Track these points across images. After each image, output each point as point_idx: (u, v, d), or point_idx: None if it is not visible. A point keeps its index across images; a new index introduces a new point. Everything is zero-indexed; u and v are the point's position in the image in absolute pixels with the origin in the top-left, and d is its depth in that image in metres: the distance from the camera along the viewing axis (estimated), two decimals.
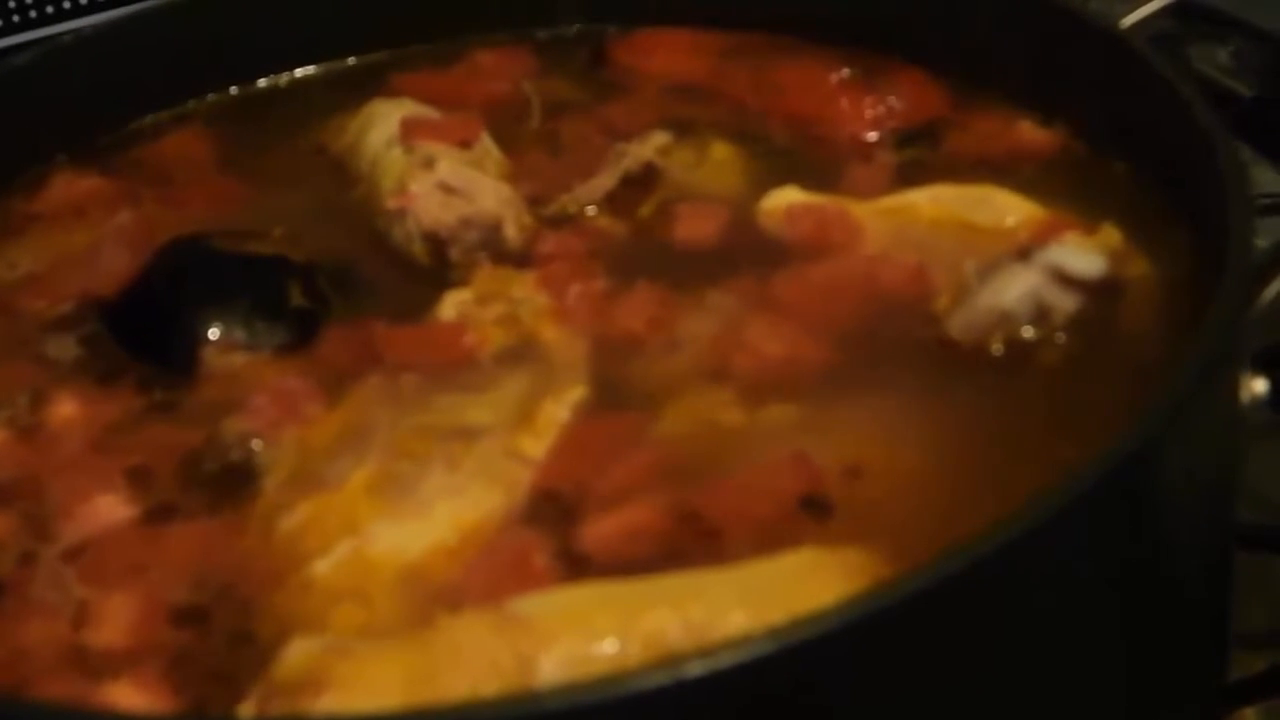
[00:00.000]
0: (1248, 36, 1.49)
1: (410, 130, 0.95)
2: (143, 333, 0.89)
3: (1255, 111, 1.43)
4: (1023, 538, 0.63)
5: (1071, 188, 0.91)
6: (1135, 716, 0.74)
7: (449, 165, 0.92)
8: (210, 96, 1.10)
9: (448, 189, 0.91)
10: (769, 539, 0.72)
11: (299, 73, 1.12)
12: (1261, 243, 1.11)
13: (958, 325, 0.81)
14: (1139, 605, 0.71)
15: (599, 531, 0.74)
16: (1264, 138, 1.41)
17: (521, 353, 0.84)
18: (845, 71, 0.99)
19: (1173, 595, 0.74)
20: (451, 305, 0.87)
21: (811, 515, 0.74)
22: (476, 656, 0.65)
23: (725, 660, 0.59)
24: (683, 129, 0.98)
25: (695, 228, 0.91)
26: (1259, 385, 0.81)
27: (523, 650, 0.65)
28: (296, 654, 0.67)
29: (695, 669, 0.58)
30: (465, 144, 0.95)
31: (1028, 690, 0.68)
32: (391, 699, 0.65)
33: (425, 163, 0.92)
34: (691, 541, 0.73)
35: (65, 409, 0.85)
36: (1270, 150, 1.41)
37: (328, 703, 0.65)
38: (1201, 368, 0.69)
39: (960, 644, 0.64)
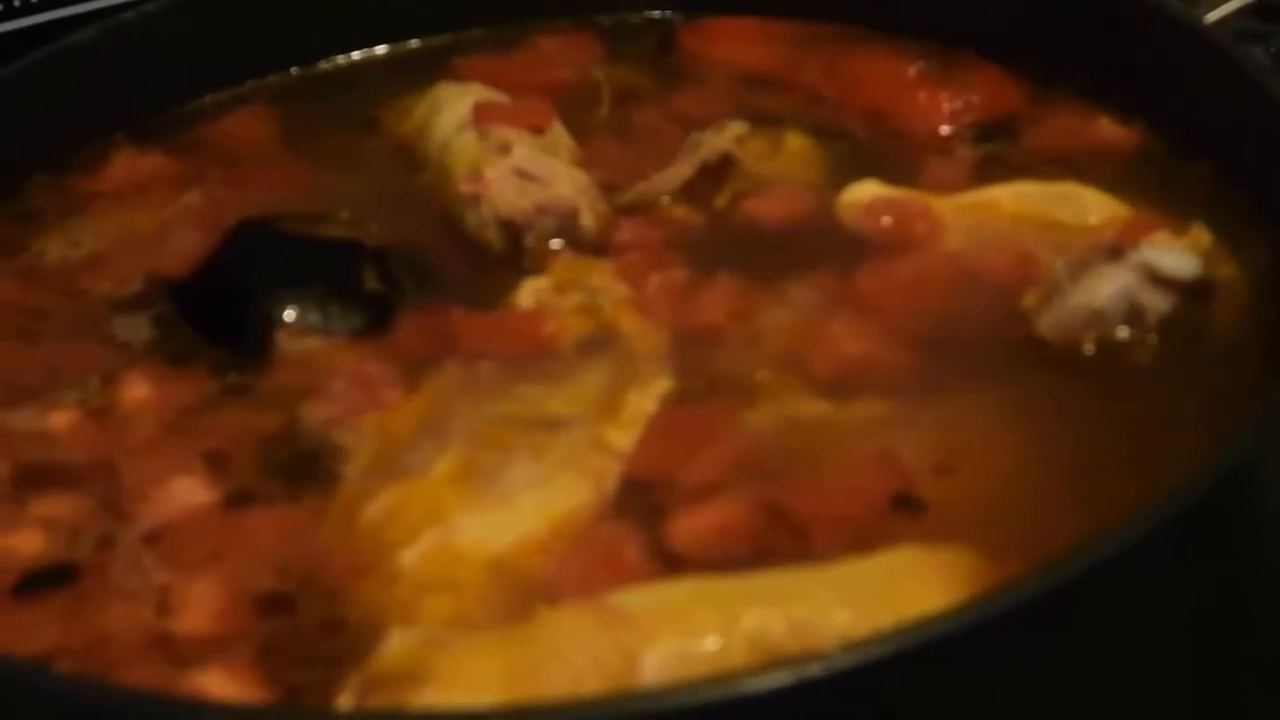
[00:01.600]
0: None
1: (483, 114, 0.94)
2: (215, 315, 0.88)
3: None
4: (1132, 545, 0.63)
5: (1151, 186, 0.90)
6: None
7: (525, 150, 0.91)
8: (270, 77, 1.09)
9: (524, 175, 0.90)
10: (860, 538, 0.71)
11: (359, 55, 1.10)
12: None
13: (1049, 323, 0.80)
14: (1225, 614, 0.71)
15: (688, 527, 0.73)
16: None
17: (601, 343, 0.83)
18: (921, 64, 0.98)
19: (1254, 607, 0.73)
20: (529, 293, 0.86)
21: (904, 514, 0.73)
22: (579, 651, 0.64)
23: (842, 662, 0.58)
24: (756, 119, 0.97)
25: (773, 219, 0.91)
26: None
27: (626, 646, 0.64)
28: (396, 646, 0.66)
29: (813, 670, 0.57)
30: (538, 130, 0.94)
31: (1122, 692, 0.67)
32: (492, 694, 0.64)
33: (500, 148, 0.91)
34: (781, 539, 0.72)
35: (138, 391, 0.84)
36: None
37: (429, 696, 0.64)
38: None
39: (1063, 649, 0.63)
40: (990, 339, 0.82)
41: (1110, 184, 0.89)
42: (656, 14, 1.10)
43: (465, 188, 0.91)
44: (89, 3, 1.23)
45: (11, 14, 1.23)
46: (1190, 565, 0.67)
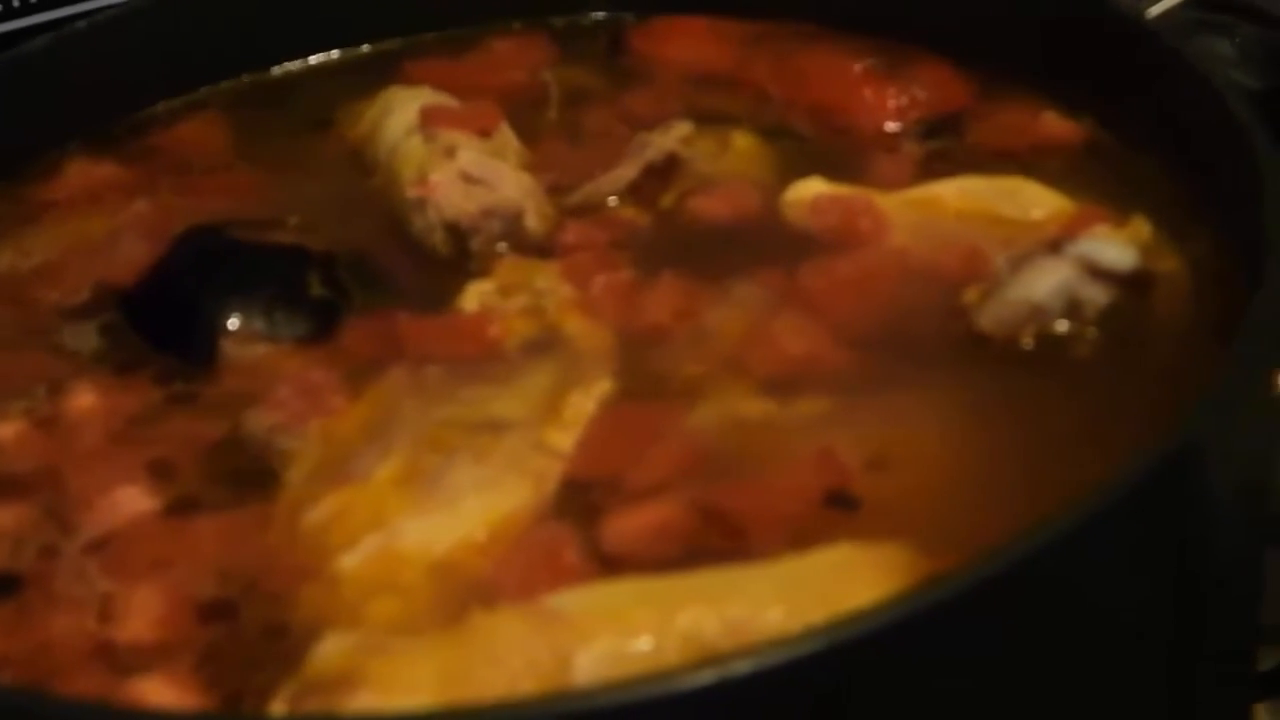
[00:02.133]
0: (1256, 26, 1.48)
1: (430, 118, 0.94)
2: (162, 323, 0.88)
3: (1261, 104, 1.42)
4: (1072, 533, 0.63)
5: (1098, 181, 0.90)
6: (1174, 709, 0.73)
7: (470, 154, 0.91)
8: (223, 84, 1.09)
9: (469, 178, 0.90)
10: (797, 536, 0.71)
11: (312, 60, 1.10)
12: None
13: (988, 318, 0.80)
14: (1176, 601, 0.71)
15: (623, 528, 0.73)
16: (1270, 130, 1.40)
17: (546, 344, 0.83)
18: (869, 61, 0.98)
19: (1208, 592, 0.73)
20: (474, 296, 0.86)
21: (839, 511, 0.73)
22: (513, 653, 0.65)
23: (771, 659, 0.58)
24: (704, 118, 0.97)
25: (720, 218, 0.91)
26: None
27: (560, 647, 0.65)
28: (329, 651, 0.67)
29: (742, 667, 0.57)
30: (485, 133, 0.94)
31: (1071, 683, 0.67)
32: (426, 697, 0.64)
33: (446, 151, 0.91)
34: (717, 539, 0.72)
35: (84, 400, 0.84)
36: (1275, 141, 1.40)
37: (362, 701, 0.64)
38: (1245, 367, 0.69)
39: (1006, 640, 0.64)
40: (933, 335, 0.82)
41: (1057, 178, 0.89)
42: (608, 15, 1.10)
43: (411, 192, 0.91)
44: (85, 2, 1.23)
45: (10, 14, 1.23)
46: (1134, 553, 0.67)
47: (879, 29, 1.01)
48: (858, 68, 0.98)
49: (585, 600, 0.67)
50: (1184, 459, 0.67)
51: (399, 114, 0.97)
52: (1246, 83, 1.45)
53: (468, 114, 0.95)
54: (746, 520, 0.72)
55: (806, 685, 0.59)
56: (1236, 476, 0.73)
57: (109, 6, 1.08)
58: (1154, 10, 0.95)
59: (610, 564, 0.71)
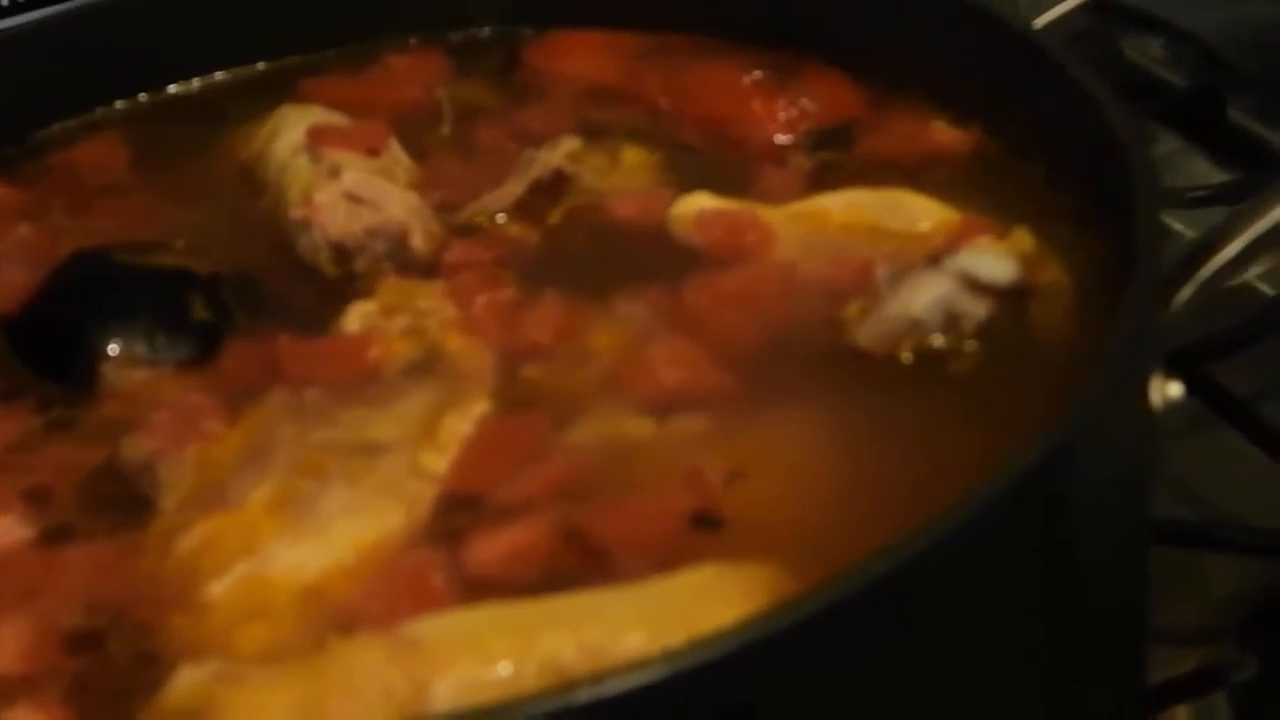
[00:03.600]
0: (1152, 32, 1.49)
1: (317, 138, 0.94)
2: (43, 349, 0.87)
3: (1188, 101, 1.42)
4: (932, 547, 0.62)
5: (985, 190, 0.90)
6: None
7: (355, 174, 0.90)
8: (119, 104, 1.08)
9: (354, 198, 0.90)
10: (665, 558, 0.71)
11: (209, 78, 1.10)
12: (1191, 234, 1.10)
13: (867, 334, 0.80)
14: (1055, 609, 0.71)
15: (487, 551, 0.72)
16: (1197, 128, 1.40)
17: (427, 365, 0.83)
18: (757, 73, 0.98)
19: (1089, 596, 0.73)
20: (356, 317, 0.85)
21: (703, 533, 0.72)
22: (369, 683, 0.64)
23: (613, 687, 0.57)
24: (595, 133, 0.96)
25: (606, 234, 0.90)
26: (1174, 389, 0.79)
27: (416, 676, 0.64)
28: (184, 682, 0.66)
29: (583, 696, 0.57)
30: (373, 152, 0.93)
31: (942, 698, 0.67)
32: None
33: (331, 172, 0.91)
34: (579, 562, 0.71)
35: None
36: (1202, 140, 1.40)
37: None
38: (1110, 375, 0.69)
39: (870, 657, 0.63)
40: (815, 351, 0.81)
41: (945, 188, 0.89)
42: (505, 29, 1.09)
43: (296, 212, 0.90)
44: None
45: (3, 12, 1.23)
46: (1000, 564, 0.67)
47: (771, 40, 1.01)
48: (747, 80, 0.98)
49: (444, 627, 0.67)
50: (1052, 465, 0.66)
51: (287, 134, 0.96)
52: (1175, 81, 1.45)
53: (356, 133, 0.95)
54: (610, 542, 0.71)
55: (651, 712, 0.58)
56: (1111, 482, 0.73)
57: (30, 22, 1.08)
58: (1041, 19, 0.95)
59: (475, 588, 0.70)
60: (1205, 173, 1.36)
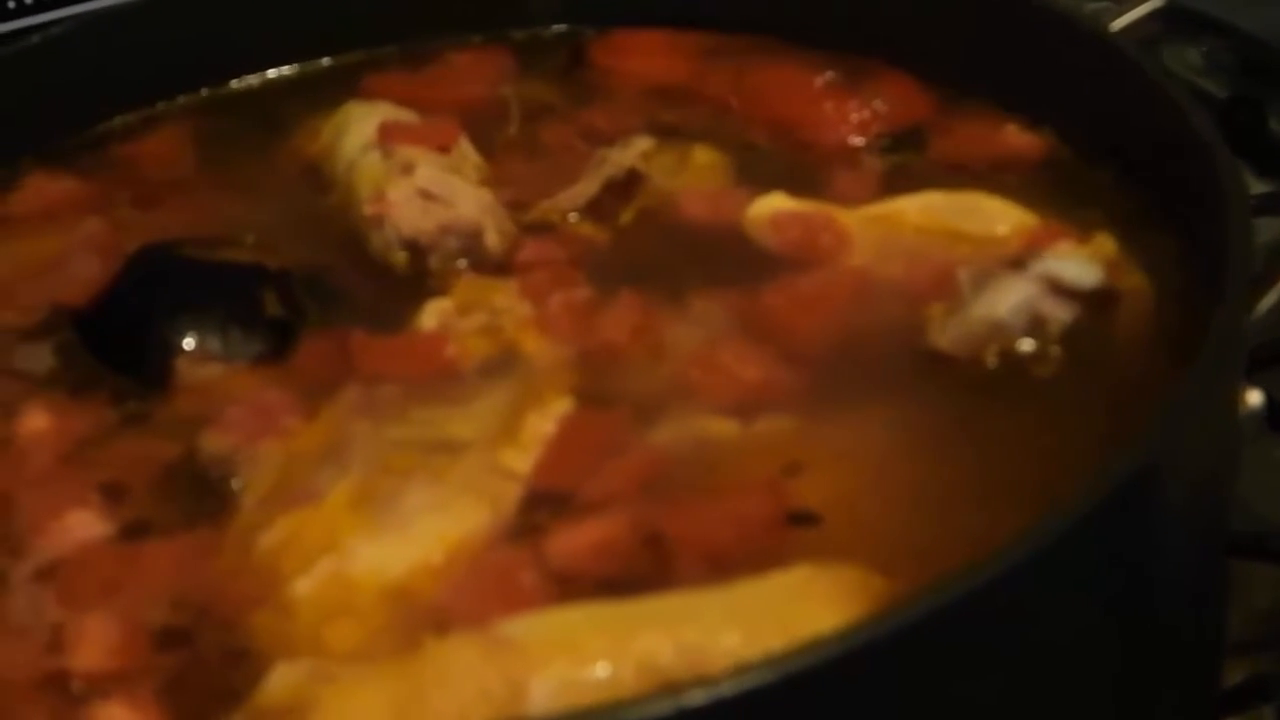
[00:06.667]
0: (1225, 38, 1.48)
1: (388, 135, 0.93)
2: (115, 343, 0.87)
3: (1228, 112, 1.42)
4: (1029, 558, 0.62)
5: (1059, 194, 0.89)
6: None
7: (428, 171, 0.90)
8: (180, 99, 1.08)
9: (427, 195, 0.89)
10: (755, 558, 0.70)
11: (271, 74, 1.09)
12: None
13: (950, 337, 0.79)
14: (1136, 619, 0.70)
15: (567, 546, 0.72)
16: (1237, 138, 1.40)
17: (503, 364, 0.82)
18: (829, 75, 0.98)
19: (1169, 609, 0.73)
20: (432, 315, 0.85)
21: (798, 532, 0.72)
22: (465, 683, 0.64)
23: (727, 689, 0.57)
24: (664, 133, 0.96)
25: (678, 235, 0.90)
26: (1254, 397, 0.79)
27: (513, 675, 0.64)
28: (280, 681, 0.66)
29: (696, 698, 0.57)
30: (443, 148, 0.93)
31: (1025, 709, 0.67)
32: None
33: (404, 168, 0.90)
34: (660, 559, 0.71)
35: (36, 422, 0.83)
36: (1243, 151, 1.40)
37: None
38: (1204, 385, 0.68)
39: (962, 666, 0.63)
40: (895, 354, 0.81)
41: (1018, 191, 0.89)
42: (568, 28, 1.09)
43: (369, 209, 0.90)
44: (81, 4, 1.22)
45: (7, 15, 1.22)
46: (1089, 579, 0.66)
47: (838, 42, 1.00)
48: (818, 81, 0.97)
49: (539, 626, 0.66)
50: (1136, 484, 0.66)
51: (356, 130, 0.96)
52: (1214, 91, 1.44)
53: (426, 130, 0.94)
54: (693, 540, 0.71)
55: (761, 715, 0.58)
56: (1197, 494, 0.72)
57: (66, 18, 1.07)
58: (1118, 23, 0.94)
59: (564, 584, 0.70)
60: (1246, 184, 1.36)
